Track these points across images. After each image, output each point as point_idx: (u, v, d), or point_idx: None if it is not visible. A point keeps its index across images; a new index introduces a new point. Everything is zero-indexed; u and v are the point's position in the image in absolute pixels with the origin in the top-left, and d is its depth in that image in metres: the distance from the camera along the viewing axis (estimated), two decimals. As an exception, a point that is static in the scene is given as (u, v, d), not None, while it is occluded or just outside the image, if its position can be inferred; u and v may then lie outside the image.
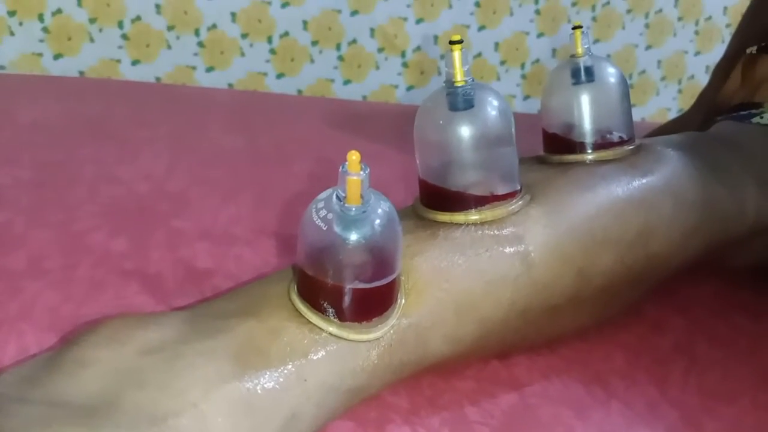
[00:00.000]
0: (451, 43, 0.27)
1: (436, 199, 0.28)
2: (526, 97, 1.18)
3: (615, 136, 0.33)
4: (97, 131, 0.56)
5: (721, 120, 0.47)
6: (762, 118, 0.44)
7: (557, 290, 0.28)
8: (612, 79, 0.33)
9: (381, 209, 0.22)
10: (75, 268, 0.35)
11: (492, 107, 0.28)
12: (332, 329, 0.22)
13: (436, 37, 1.10)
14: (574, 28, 0.34)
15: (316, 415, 0.22)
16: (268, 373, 0.21)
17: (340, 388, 0.22)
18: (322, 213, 0.21)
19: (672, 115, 1.29)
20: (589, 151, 0.32)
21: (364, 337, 0.23)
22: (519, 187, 0.29)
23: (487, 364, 0.31)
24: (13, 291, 0.32)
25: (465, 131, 0.27)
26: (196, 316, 0.23)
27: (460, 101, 0.27)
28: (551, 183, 0.30)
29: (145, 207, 0.42)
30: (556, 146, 0.33)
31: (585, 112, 0.33)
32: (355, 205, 0.21)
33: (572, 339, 0.33)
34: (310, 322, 0.22)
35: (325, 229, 0.21)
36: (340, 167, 0.21)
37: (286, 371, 0.21)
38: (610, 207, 0.29)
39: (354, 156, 0.20)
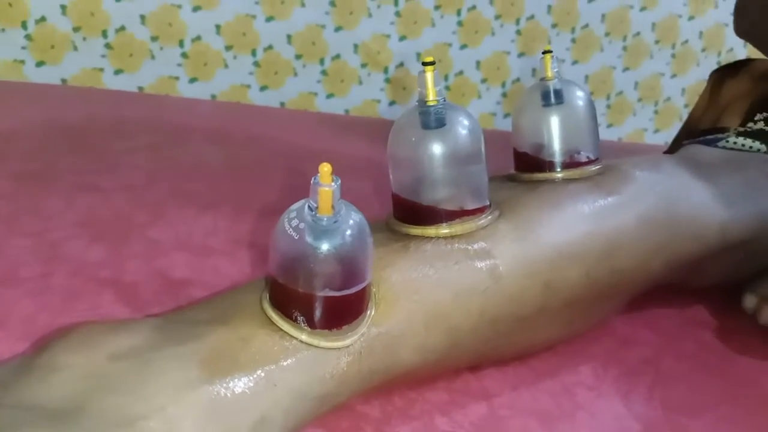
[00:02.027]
0: (424, 64, 0.28)
1: (409, 213, 0.29)
2: (506, 115, 1.20)
3: (582, 156, 0.34)
4: (77, 141, 0.56)
5: (688, 144, 0.48)
6: (727, 142, 0.46)
7: (525, 302, 0.29)
8: (580, 102, 0.35)
9: (352, 220, 0.23)
10: (51, 276, 0.35)
11: (463, 126, 0.29)
12: (303, 336, 0.23)
13: (418, 54, 1.11)
14: (545, 52, 0.35)
15: (285, 421, 0.22)
16: (237, 378, 0.21)
17: (309, 394, 0.23)
18: (294, 223, 0.22)
19: (648, 135, 1.32)
20: (558, 170, 0.34)
21: (334, 344, 0.23)
22: (488, 203, 0.30)
23: (458, 375, 0.32)
24: None
25: (436, 149, 0.28)
26: (168, 323, 0.24)
27: (432, 120, 0.28)
28: (520, 200, 0.31)
29: (123, 217, 0.42)
30: (527, 165, 0.34)
31: (554, 132, 0.34)
32: (327, 215, 0.22)
33: (542, 351, 0.34)
34: (281, 330, 0.23)
35: (296, 238, 0.22)
36: (312, 179, 0.22)
37: (255, 376, 0.22)
38: (576, 223, 0.30)
39: (326, 168, 0.21)
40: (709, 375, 0.37)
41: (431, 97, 0.29)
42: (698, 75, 1.28)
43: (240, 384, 0.21)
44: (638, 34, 1.23)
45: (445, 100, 0.29)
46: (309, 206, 0.22)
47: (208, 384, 0.21)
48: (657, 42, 1.25)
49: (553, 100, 0.35)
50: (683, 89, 1.29)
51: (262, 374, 0.22)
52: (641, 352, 0.37)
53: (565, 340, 0.34)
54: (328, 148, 0.65)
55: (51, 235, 0.39)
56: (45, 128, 0.58)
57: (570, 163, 0.34)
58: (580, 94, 0.35)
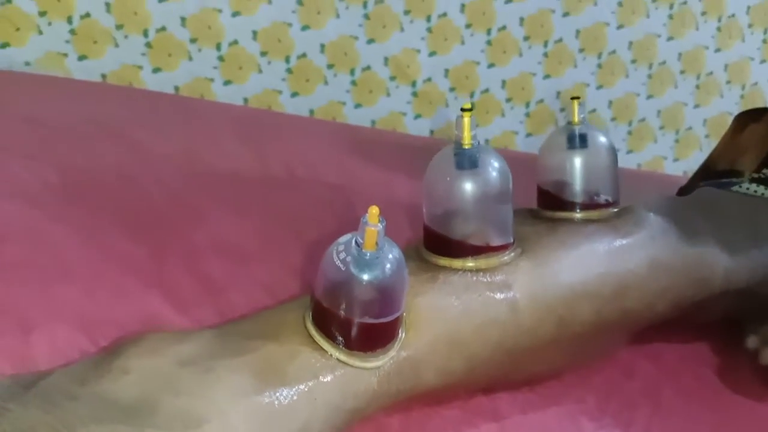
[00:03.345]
0: (463, 110, 0.31)
1: (438, 245, 0.32)
2: (528, 135, 1.22)
3: (602, 198, 0.37)
4: (120, 140, 0.59)
5: (704, 185, 0.50)
6: (740, 187, 0.48)
7: (539, 334, 0.31)
8: (603, 148, 0.37)
9: (392, 255, 0.26)
10: (102, 274, 0.38)
11: (493, 168, 0.31)
12: (341, 356, 0.26)
13: (446, 71, 1.14)
14: (573, 98, 0.37)
15: (322, 430, 0.25)
16: (284, 390, 0.24)
17: (343, 407, 0.26)
18: (342, 255, 0.25)
19: (668, 163, 1.33)
20: (578, 210, 0.36)
21: (368, 365, 0.26)
22: (512, 240, 0.32)
23: (472, 396, 0.34)
24: (46, 294, 0.34)
25: (468, 188, 0.31)
26: (225, 335, 0.26)
27: (466, 161, 0.31)
28: (541, 238, 0.33)
29: (164, 216, 0.45)
30: (549, 202, 0.37)
31: (576, 174, 0.37)
32: (371, 251, 0.25)
33: (550, 379, 0.36)
34: (321, 348, 0.26)
35: (343, 269, 0.25)
36: (362, 217, 0.25)
37: (299, 390, 0.25)
38: (590, 264, 0.33)
39: (374, 210, 0.24)
40: (704, 409, 0.39)
41: (467, 140, 0.31)
42: (721, 107, 1.30)
43: (287, 395, 0.24)
44: (664, 62, 1.25)
45: (479, 143, 0.32)
46: (356, 241, 0.25)
47: (260, 394, 0.24)
48: (682, 72, 1.27)
49: (577, 143, 0.37)
50: (705, 120, 1.31)
51: (305, 388, 0.25)
52: (642, 383, 0.39)
53: (572, 369, 0.36)
54: (353, 162, 0.68)
55: (100, 232, 0.42)
56: (87, 123, 0.61)
57: (589, 204, 0.37)
58: (603, 140, 0.37)
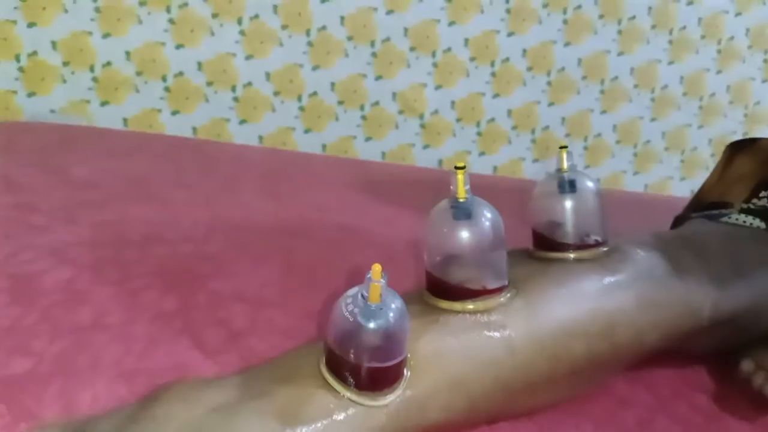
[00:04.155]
0: (456, 168, 0.34)
1: (439, 289, 0.35)
2: (535, 160, 1.26)
3: (591, 239, 0.40)
4: (143, 191, 0.63)
5: (695, 217, 0.53)
6: (729, 218, 0.50)
7: (534, 370, 0.34)
8: (590, 192, 0.40)
9: (394, 305, 0.29)
10: (133, 323, 0.41)
11: (486, 219, 0.34)
12: (352, 396, 0.29)
13: (453, 103, 1.18)
14: (561, 147, 0.40)
15: (336, 465, 0.28)
16: (303, 428, 0.27)
17: (355, 443, 0.29)
18: (350, 308, 0.28)
19: (674, 183, 1.36)
20: (570, 250, 0.39)
21: (376, 403, 0.29)
22: (506, 283, 0.35)
23: (476, 428, 0.37)
24: (82, 344, 0.37)
25: (464, 237, 0.34)
26: (248, 380, 0.30)
27: (461, 213, 0.34)
28: (534, 280, 0.36)
29: (189, 268, 0.48)
30: (543, 244, 0.40)
31: (568, 217, 0.40)
32: (375, 303, 0.28)
33: (549, 410, 0.39)
34: (335, 390, 0.29)
35: (351, 320, 0.28)
36: (367, 273, 0.28)
37: (316, 428, 0.28)
38: (581, 302, 0.36)
39: (377, 267, 0.27)
40: (698, 436, 0.41)
41: (461, 194, 0.35)
42: (725, 127, 1.32)
43: (304, 433, 0.27)
44: (666, 86, 1.28)
45: (473, 197, 0.35)
46: (362, 295, 0.28)
47: (281, 433, 0.27)
48: (684, 94, 1.30)
49: (567, 188, 0.40)
50: (710, 140, 1.33)
51: (321, 426, 0.28)
52: (638, 412, 0.42)
53: (568, 400, 0.39)
54: (364, 201, 0.71)
55: (130, 284, 0.45)
56: (114, 176, 0.65)
57: (580, 245, 0.39)
58: (590, 185, 0.40)
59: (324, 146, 1.15)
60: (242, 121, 1.11)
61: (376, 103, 1.15)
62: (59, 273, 0.45)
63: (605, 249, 0.39)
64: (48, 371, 0.35)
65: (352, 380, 0.29)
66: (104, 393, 0.34)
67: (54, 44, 1.03)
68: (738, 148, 0.59)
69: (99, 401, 0.33)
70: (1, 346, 0.36)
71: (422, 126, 1.18)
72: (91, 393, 0.34)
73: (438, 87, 1.16)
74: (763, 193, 0.52)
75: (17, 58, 1.01)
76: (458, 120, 1.19)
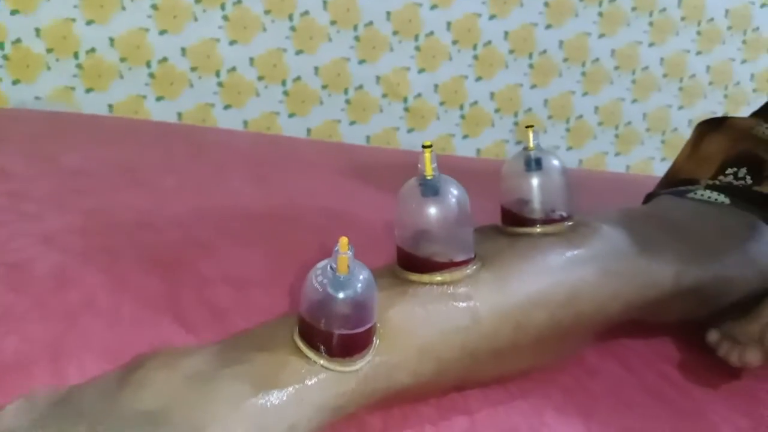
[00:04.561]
0: (423, 147, 0.36)
1: (409, 263, 0.36)
2: (518, 142, 1.27)
3: (557, 214, 0.41)
4: (132, 177, 0.64)
5: (663, 194, 0.55)
6: (695, 194, 0.52)
7: (499, 338, 0.36)
8: (556, 170, 0.42)
9: (362, 276, 0.30)
10: (120, 306, 0.42)
11: (453, 195, 0.36)
12: (323, 362, 0.30)
13: (436, 86, 1.19)
14: (527, 126, 0.42)
15: (308, 428, 0.30)
16: (275, 392, 0.29)
17: (326, 407, 0.30)
18: (319, 279, 0.30)
19: (656, 163, 1.38)
20: (537, 226, 0.41)
21: (346, 369, 0.31)
22: (473, 255, 0.37)
23: (446, 395, 0.39)
24: (71, 327, 0.39)
25: (432, 212, 0.36)
26: (225, 349, 0.31)
27: (429, 190, 0.36)
28: (501, 253, 0.38)
29: (176, 253, 0.49)
30: (511, 220, 0.42)
31: (534, 193, 0.41)
32: (344, 274, 0.29)
33: (518, 377, 0.41)
34: (307, 357, 0.30)
35: (320, 290, 0.29)
36: (335, 246, 0.29)
37: (288, 392, 0.29)
38: (544, 274, 0.37)
39: (344, 240, 0.29)
40: (665, 404, 0.43)
41: (429, 172, 0.36)
42: (705, 107, 1.34)
43: (277, 397, 0.29)
44: (647, 68, 1.30)
45: (439, 174, 0.36)
46: (331, 266, 0.30)
47: (255, 398, 0.28)
48: (665, 75, 1.31)
49: (533, 166, 0.42)
50: (690, 120, 1.35)
51: (293, 391, 0.29)
52: (606, 380, 0.43)
53: (537, 369, 0.41)
54: (349, 185, 0.72)
55: (118, 268, 0.46)
56: (103, 163, 0.66)
57: (546, 220, 0.41)
58: (555, 162, 0.42)
59: (309, 130, 1.16)
60: (227, 106, 1.12)
61: (360, 87, 1.16)
62: (50, 259, 0.46)
63: (570, 224, 0.41)
64: (39, 352, 0.37)
65: (323, 347, 0.30)
66: (93, 372, 0.35)
67: (38, 31, 1.03)
68: (708, 127, 0.61)
69: (87, 377, 0.35)
70: (-5, 331, 0.38)
71: (406, 110, 1.19)
72: (80, 372, 0.35)
73: (421, 71, 1.18)
74: (729, 170, 0.54)
75: (1, 46, 1.02)
76: (441, 103, 1.20)
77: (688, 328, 0.48)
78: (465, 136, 1.23)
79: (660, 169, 1.37)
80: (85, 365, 0.36)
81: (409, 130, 1.21)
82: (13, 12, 1.01)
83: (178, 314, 0.42)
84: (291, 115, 1.15)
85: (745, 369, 0.44)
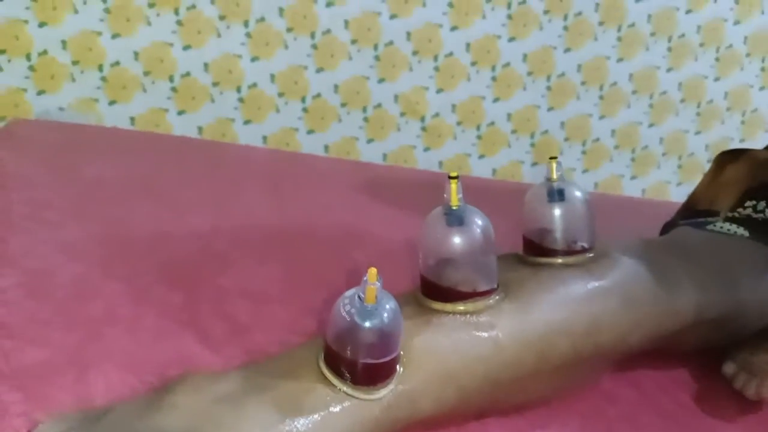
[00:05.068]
0: (450, 177, 0.36)
1: (432, 291, 0.37)
2: (534, 164, 1.28)
3: (578, 245, 0.42)
4: (151, 190, 0.65)
5: (683, 224, 0.55)
6: (714, 226, 0.52)
7: (521, 367, 0.36)
8: (578, 200, 0.42)
9: (389, 306, 0.31)
10: (142, 317, 0.43)
11: (477, 225, 0.37)
12: (348, 390, 0.31)
13: (453, 106, 1.20)
14: (551, 158, 0.43)
15: (333, 454, 0.30)
16: (301, 419, 0.30)
17: (350, 434, 0.31)
18: (347, 308, 0.30)
19: (672, 188, 1.38)
20: (558, 256, 0.41)
21: (371, 397, 0.31)
22: (496, 286, 0.38)
23: (466, 422, 0.39)
24: (95, 336, 0.40)
25: (456, 242, 0.36)
26: (252, 374, 0.32)
27: (454, 220, 0.36)
28: (523, 283, 0.38)
29: (195, 265, 0.50)
30: (532, 249, 0.42)
31: (556, 224, 0.42)
32: (371, 303, 0.30)
33: (538, 406, 0.41)
34: (332, 384, 0.31)
35: (348, 319, 0.30)
36: (364, 276, 0.30)
37: (314, 419, 0.30)
38: (566, 305, 0.38)
39: (373, 271, 0.29)
40: (681, 429, 0.43)
41: (455, 202, 0.37)
42: (722, 133, 1.34)
43: (303, 424, 0.29)
44: (665, 92, 1.30)
45: (465, 205, 0.37)
46: (359, 296, 0.30)
47: (282, 424, 0.29)
48: (683, 100, 1.32)
49: (556, 197, 0.42)
50: (707, 145, 1.35)
51: (319, 418, 0.30)
52: (623, 408, 0.44)
53: (557, 397, 0.41)
54: (366, 201, 0.73)
55: (139, 279, 0.47)
56: (123, 175, 0.67)
57: (568, 251, 0.41)
58: (578, 194, 0.42)
59: (326, 147, 1.17)
60: (247, 122, 1.14)
61: (379, 106, 1.17)
62: (71, 268, 0.47)
63: (591, 255, 0.42)
64: (63, 361, 0.37)
65: (348, 375, 0.31)
66: (116, 382, 0.36)
67: (64, 43, 1.05)
68: (728, 157, 0.61)
69: (112, 390, 0.35)
70: (18, 338, 0.39)
71: (423, 128, 1.20)
72: (104, 382, 0.36)
73: (439, 90, 1.19)
74: (748, 203, 0.54)
75: (28, 57, 1.04)
76: (459, 123, 1.21)
77: (705, 355, 0.48)
78: (481, 156, 1.24)
79: (676, 194, 1.37)
80: (109, 377, 0.37)
81: (426, 149, 1.21)
82: (41, 24, 1.03)
83: (198, 328, 0.42)
84: (310, 132, 1.16)
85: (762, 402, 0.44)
